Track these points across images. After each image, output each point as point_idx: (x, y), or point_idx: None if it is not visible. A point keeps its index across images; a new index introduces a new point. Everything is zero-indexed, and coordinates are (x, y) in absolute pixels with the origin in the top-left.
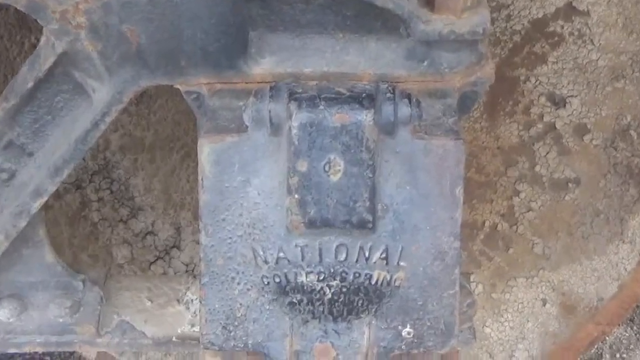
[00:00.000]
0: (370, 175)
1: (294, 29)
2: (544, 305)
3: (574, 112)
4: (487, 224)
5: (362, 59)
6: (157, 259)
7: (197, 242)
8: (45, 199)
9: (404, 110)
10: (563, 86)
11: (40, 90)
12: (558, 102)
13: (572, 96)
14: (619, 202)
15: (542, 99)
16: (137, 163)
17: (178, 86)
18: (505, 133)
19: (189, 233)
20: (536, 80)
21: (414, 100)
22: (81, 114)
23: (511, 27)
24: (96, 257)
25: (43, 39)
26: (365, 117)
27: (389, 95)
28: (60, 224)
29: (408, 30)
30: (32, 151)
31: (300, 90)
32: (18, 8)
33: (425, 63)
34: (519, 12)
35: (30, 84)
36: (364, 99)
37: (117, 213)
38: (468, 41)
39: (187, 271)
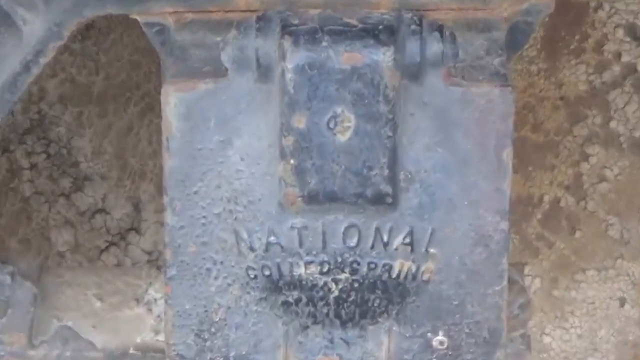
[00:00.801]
0: (390, 134)
1: None
2: (622, 306)
3: None
4: (546, 198)
5: None
6: (109, 246)
7: (162, 224)
8: None
9: (435, 46)
10: None
11: None
12: None
13: None
14: None
15: (620, 32)
16: (82, 118)
17: (135, 16)
18: (570, 78)
19: (151, 211)
20: (611, 8)
21: (448, 33)
22: (8, 53)
23: None
24: (28, 243)
25: None
26: (384, 56)
27: (414, 27)
28: None
29: None
30: None
31: (297, 22)
32: None
33: None
34: None
35: None
36: (382, 33)
37: (57, 185)
38: None
39: (149, 261)
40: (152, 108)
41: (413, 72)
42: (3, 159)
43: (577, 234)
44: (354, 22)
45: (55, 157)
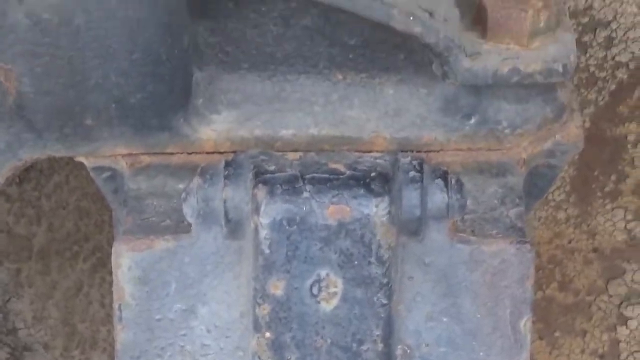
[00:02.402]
0: (385, 302)
1: (265, 66)
2: None
3: None
4: None
5: (373, 114)
6: None
7: None
8: None
9: (438, 197)
10: None
11: None
12: None
13: None
14: None
15: None
16: (20, 276)
17: (82, 159)
18: (605, 226)
19: None
20: None
21: (454, 181)
22: None
23: (614, 58)
24: None
25: None
26: (376, 209)
27: (413, 174)
28: None
29: (445, 69)
30: None
31: (273, 168)
32: None
33: (473, 120)
34: (625, 33)
35: None
36: (374, 181)
37: None
38: (541, 85)
39: None
40: (105, 264)
41: (412, 228)
42: None
43: None
44: (341, 168)
45: None
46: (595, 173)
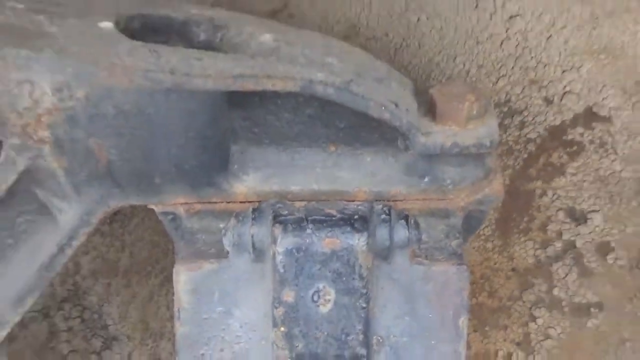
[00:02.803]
0: (364, 305)
1: (280, 142)
2: None
3: (596, 229)
4: (500, 353)
5: (356, 175)
6: None
7: None
8: (7, 330)
9: (401, 233)
10: (583, 200)
11: (1, 211)
12: (578, 218)
13: (593, 211)
14: None
15: (561, 215)
16: (110, 288)
17: (153, 206)
18: (520, 253)
19: None
20: (554, 194)
21: (413, 221)
22: (46, 237)
23: (525, 135)
24: None
25: (2, 155)
26: (358, 241)
27: (384, 216)
28: (25, 357)
29: (407, 143)
30: None
31: (286, 212)
32: None
33: (426, 179)
34: (533, 118)
35: None
36: (357, 222)
37: (90, 344)
38: (474, 154)
39: None
40: (169, 280)
41: (383, 254)
42: (44, 323)
43: None
44: (333, 212)
45: (88, 321)
46: (513, 215)
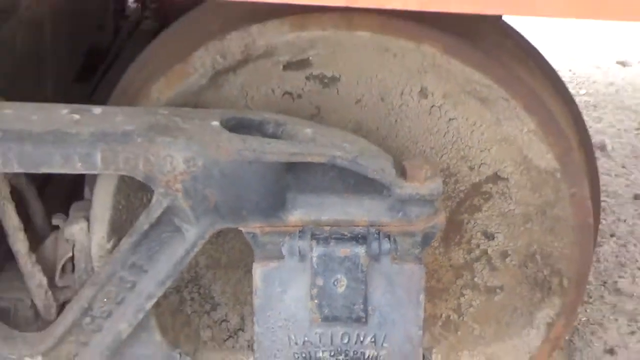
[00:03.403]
0: (363, 288)
1: (315, 191)
2: None
3: (500, 243)
4: (443, 315)
5: (359, 211)
6: (229, 338)
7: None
8: (155, 300)
9: (386, 245)
10: (492, 226)
11: (152, 230)
12: (489, 236)
13: (498, 232)
14: (530, 302)
15: (479, 235)
16: (216, 275)
17: (241, 228)
18: (454, 256)
19: (250, 321)
20: (475, 222)
21: (392, 238)
22: (178, 246)
23: (457, 188)
24: (189, 337)
25: (154, 197)
26: (360, 250)
27: (375, 235)
28: (165, 315)
29: (389, 192)
30: (147, 269)
31: (318, 233)
32: (137, 178)
33: (400, 214)
34: (463, 177)
35: (146, 226)
36: (360, 239)
37: (203, 307)
38: (428, 200)
39: (248, 346)
40: (250, 271)
41: (375, 258)
42: (176, 295)
43: (459, 333)
44: (346, 233)
45: (202, 294)
46: (450, 234)
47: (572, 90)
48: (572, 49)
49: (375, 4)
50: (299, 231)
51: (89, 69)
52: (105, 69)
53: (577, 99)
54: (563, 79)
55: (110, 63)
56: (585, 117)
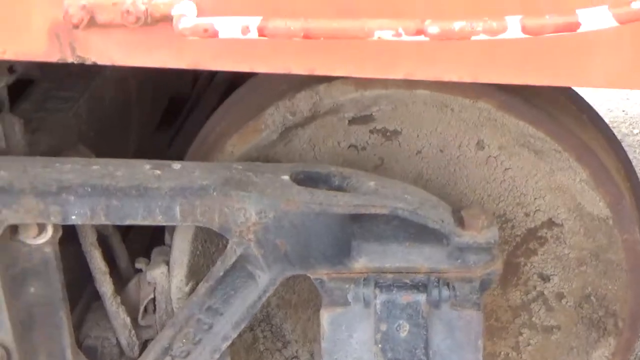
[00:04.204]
0: (425, 333)
1: (379, 240)
2: None
3: (555, 284)
4: (502, 353)
5: (420, 258)
6: None
7: None
8: (230, 341)
9: (445, 293)
10: (548, 269)
11: (227, 276)
12: (545, 278)
13: (554, 275)
14: (586, 342)
15: (535, 277)
16: (287, 314)
17: (309, 274)
18: (512, 297)
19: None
20: (531, 265)
21: (452, 285)
22: (251, 291)
23: (514, 233)
24: None
25: (229, 246)
26: (421, 297)
27: (435, 283)
28: (239, 352)
29: (448, 241)
30: (222, 312)
31: (382, 281)
32: (213, 229)
33: (459, 261)
34: (519, 223)
35: (221, 273)
36: (420, 286)
37: (275, 345)
38: (485, 247)
39: None
40: (318, 311)
41: (435, 305)
42: (250, 333)
43: None
44: (407, 281)
45: (274, 332)
46: (508, 276)
47: (625, 130)
48: (625, 90)
49: (432, 77)
50: (364, 279)
51: (170, 118)
52: (184, 117)
53: (630, 139)
54: (617, 119)
55: (189, 112)
56: (638, 156)
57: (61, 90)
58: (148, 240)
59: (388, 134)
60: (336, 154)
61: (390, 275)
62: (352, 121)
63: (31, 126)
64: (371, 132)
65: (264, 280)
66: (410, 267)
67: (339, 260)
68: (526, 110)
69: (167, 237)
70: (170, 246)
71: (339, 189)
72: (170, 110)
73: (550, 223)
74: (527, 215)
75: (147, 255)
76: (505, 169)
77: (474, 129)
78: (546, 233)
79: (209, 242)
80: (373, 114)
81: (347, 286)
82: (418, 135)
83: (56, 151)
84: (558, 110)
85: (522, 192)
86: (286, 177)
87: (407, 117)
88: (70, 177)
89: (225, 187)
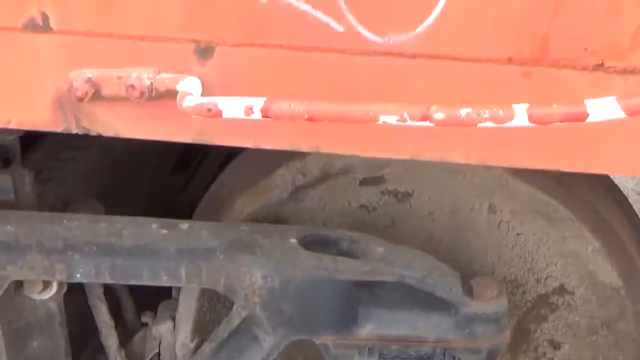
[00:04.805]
0: None
1: (387, 307)
2: None
3: (566, 352)
4: None
5: (427, 327)
6: None
7: None
8: None
9: None
10: (558, 336)
11: (232, 338)
12: (555, 346)
13: (564, 342)
14: None
15: (545, 343)
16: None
17: (314, 339)
18: None
19: None
20: (541, 331)
21: (458, 357)
22: (256, 353)
23: (525, 298)
24: None
25: (234, 308)
26: None
27: (441, 356)
28: None
29: (456, 311)
30: None
31: (386, 352)
32: (218, 291)
33: (466, 331)
34: (530, 288)
35: (225, 334)
36: (426, 358)
37: None
38: (493, 318)
39: None
40: None
41: None
42: None
43: None
44: (413, 353)
45: None
46: (517, 342)
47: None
48: None
49: (439, 159)
50: (368, 349)
51: (184, 162)
52: (199, 162)
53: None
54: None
55: (203, 157)
56: None
57: (73, 138)
58: (155, 292)
59: (399, 195)
60: (347, 214)
61: (394, 347)
62: (363, 182)
63: (42, 176)
64: (382, 193)
65: (269, 343)
66: (417, 336)
67: (344, 326)
68: (539, 177)
69: (174, 291)
70: (177, 300)
71: (348, 253)
72: (185, 154)
73: (562, 290)
74: (538, 281)
75: (154, 307)
76: (517, 234)
77: (486, 194)
78: (557, 300)
79: (216, 299)
80: (384, 175)
81: (352, 353)
82: (429, 198)
83: (65, 203)
84: (571, 177)
85: (533, 258)
86: (294, 241)
87: (419, 180)
88: (77, 235)
89: (231, 250)
